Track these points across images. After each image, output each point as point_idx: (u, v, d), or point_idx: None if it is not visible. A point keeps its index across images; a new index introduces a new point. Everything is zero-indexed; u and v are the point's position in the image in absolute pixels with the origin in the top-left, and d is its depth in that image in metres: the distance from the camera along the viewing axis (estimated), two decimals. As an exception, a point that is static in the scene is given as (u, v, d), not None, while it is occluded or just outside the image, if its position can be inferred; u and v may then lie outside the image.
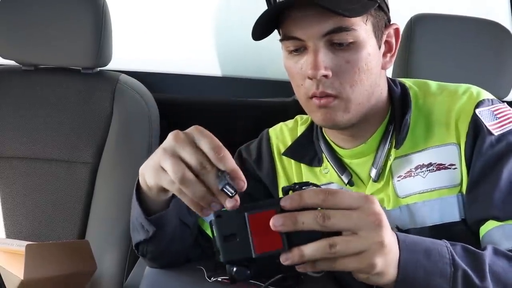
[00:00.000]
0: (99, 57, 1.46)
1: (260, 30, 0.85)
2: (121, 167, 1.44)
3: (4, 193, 1.45)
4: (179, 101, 1.75)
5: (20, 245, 1.13)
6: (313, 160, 0.99)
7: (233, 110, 1.74)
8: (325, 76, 0.83)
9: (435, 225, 0.88)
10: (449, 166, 0.87)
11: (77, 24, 1.45)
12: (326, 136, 0.97)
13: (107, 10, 1.47)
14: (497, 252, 0.74)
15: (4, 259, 1.10)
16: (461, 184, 0.87)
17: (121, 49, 1.61)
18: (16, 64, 1.54)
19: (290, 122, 1.07)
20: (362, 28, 0.83)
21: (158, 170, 0.69)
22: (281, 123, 1.08)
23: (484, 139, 0.85)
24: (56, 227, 1.43)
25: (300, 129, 1.04)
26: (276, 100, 1.75)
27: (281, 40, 0.87)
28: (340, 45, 0.83)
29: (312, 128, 1.02)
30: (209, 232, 0.99)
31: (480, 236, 0.85)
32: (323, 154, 0.97)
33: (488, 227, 0.83)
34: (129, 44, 1.83)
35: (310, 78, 0.84)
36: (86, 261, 1.19)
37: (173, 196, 0.82)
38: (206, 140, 0.66)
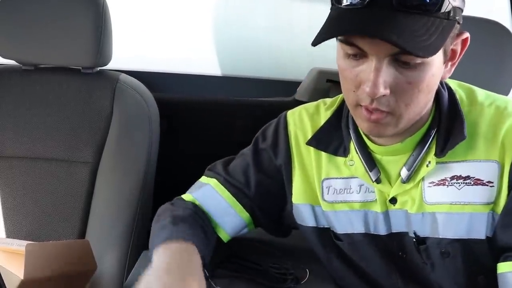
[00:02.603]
0: (99, 57, 1.46)
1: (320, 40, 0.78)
2: (121, 166, 1.44)
3: (4, 192, 1.45)
4: (179, 101, 1.75)
5: (20, 245, 1.12)
6: (338, 149, 0.94)
7: (233, 109, 1.74)
8: (383, 95, 0.78)
9: (459, 239, 0.87)
10: (487, 183, 0.85)
11: (77, 24, 1.44)
12: (359, 129, 0.90)
13: (107, 9, 1.47)
14: None
15: (4, 258, 1.10)
16: (494, 202, 0.85)
17: (121, 49, 1.61)
18: (16, 63, 1.54)
19: (311, 107, 1.01)
20: None
21: None
22: (301, 107, 1.02)
23: None
24: (56, 227, 1.43)
25: (325, 115, 0.98)
26: (276, 100, 1.75)
27: (340, 40, 0.79)
28: (405, 64, 0.76)
29: (339, 114, 0.96)
30: (220, 233, 1.01)
31: (498, 271, 0.85)
32: (351, 144, 0.92)
33: (508, 268, 0.83)
34: (129, 43, 1.83)
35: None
36: (86, 261, 1.19)
37: None
38: None
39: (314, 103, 1.02)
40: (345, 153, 0.93)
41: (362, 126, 0.84)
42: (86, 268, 1.20)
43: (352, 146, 0.92)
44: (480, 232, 0.86)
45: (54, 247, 1.17)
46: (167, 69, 1.83)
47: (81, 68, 1.52)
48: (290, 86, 1.76)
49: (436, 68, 0.79)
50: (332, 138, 0.95)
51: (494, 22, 1.34)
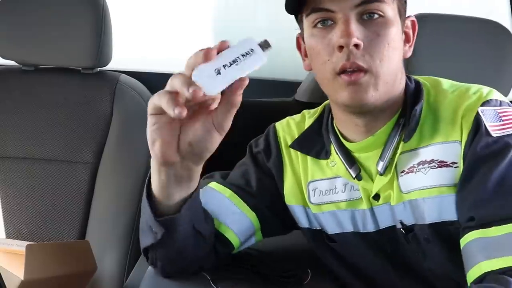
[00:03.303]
0: (99, 57, 1.46)
1: (292, 4, 0.87)
2: (121, 167, 1.44)
3: (4, 193, 1.45)
4: (179, 101, 1.74)
5: (20, 245, 1.13)
6: (320, 153, 0.97)
7: (233, 110, 1.74)
8: (357, 46, 0.82)
9: (434, 223, 0.87)
10: (451, 164, 0.86)
11: (77, 24, 1.44)
12: (336, 129, 0.95)
13: (107, 10, 1.47)
14: None
15: (4, 259, 1.11)
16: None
17: (121, 49, 1.60)
18: (16, 64, 1.54)
19: (297, 116, 1.06)
20: (390, 6, 0.85)
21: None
22: (287, 118, 1.07)
23: (481, 139, 0.84)
24: (56, 227, 1.43)
25: (308, 122, 1.02)
26: (276, 100, 1.75)
27: (307, 15, 0.86)
28: (371, 16, 0.83)
29: (320, 120, 1.00)
30: (227, 234, 0.97)
31: (461, 247, 0.83)
32: (332, 146, 0.95)
33: (467, 239, 0.81)
34: (129, 44, 1.83)
35: (341, 48, 0.82)
36: (86, 261, 1.20)
37: (185, 202, 0.83)
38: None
39: (299, 114, 1.06)
40: (327, 155, 0.96)
41: (343, 97, 0.86)
42: (86, 268, 1.20)
43: (333, 148, 0.95)
44: (451, 213, 0.86)
45: (54, 247, 1.17)
46: (167, 70, 1.83)
47: (81, 68, 1.52)
48: (290, 86, 1.76)
49: (396, 29, 0.86)
50: (314, 142, 0.98)
51: (494, 23, 1.34)
